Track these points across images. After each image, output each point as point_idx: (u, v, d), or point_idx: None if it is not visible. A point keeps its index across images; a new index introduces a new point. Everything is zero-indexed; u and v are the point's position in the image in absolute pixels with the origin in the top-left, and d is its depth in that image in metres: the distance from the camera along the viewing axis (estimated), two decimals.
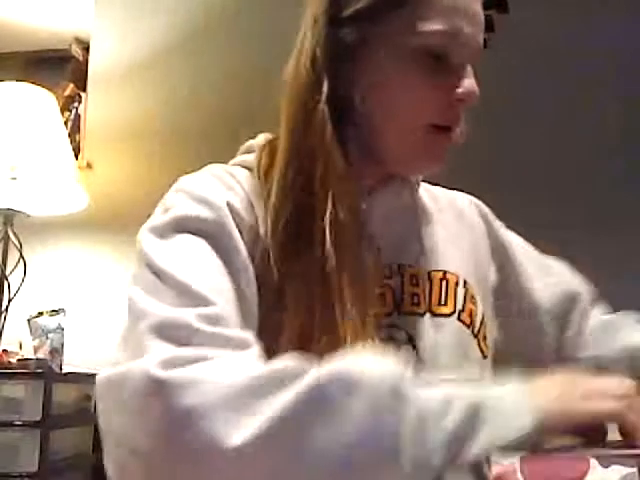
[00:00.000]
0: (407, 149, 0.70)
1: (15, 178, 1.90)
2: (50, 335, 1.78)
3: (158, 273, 0.60)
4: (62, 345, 1.80)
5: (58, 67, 2.58)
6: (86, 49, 2.43)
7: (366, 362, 0.51)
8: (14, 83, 1.96)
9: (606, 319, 0.87)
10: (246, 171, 0.72)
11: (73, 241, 2.18)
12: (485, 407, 0.50)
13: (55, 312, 1.83)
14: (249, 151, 0.75)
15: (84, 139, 2.26)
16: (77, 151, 2.20)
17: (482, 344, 0.75)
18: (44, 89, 2.00)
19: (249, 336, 0.56)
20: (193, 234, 0.62)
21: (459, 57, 0.67)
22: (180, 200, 0.67)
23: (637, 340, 0.82)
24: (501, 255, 0.85)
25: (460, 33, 0.66)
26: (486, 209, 0.88)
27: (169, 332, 0.53)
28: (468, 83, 0.67)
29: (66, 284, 2.16)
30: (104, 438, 0.54)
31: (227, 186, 0.68)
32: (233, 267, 0.61)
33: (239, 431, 0.46)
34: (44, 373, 1.68)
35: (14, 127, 1.87)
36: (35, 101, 1.95)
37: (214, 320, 0.55)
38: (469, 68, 0.68)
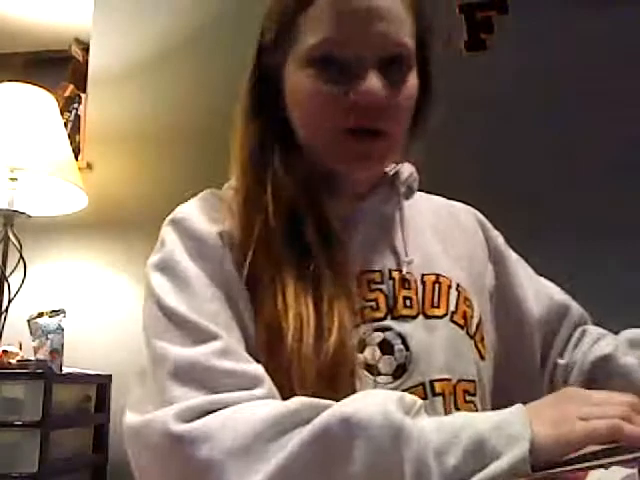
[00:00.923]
0: (327, 154, 0.73)
1: (15, 179, 1.90)
2: (50, 336, 1.78)
3: (167, 313, 0.64)
4: (62, 346, 1.80)
5: (58, 68, 2.58)
6: (86, 50, 2.43)
7: (371, 402, 0.53)
8: (14, 83, 1.96)
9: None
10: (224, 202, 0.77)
11: (73, 242, 2.18)
12: (484, 441, 0.50)
13: (55, 313, 1.83)
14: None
15: (84, 140, 2.26)
16: (77, 152, 2.20)
17: (479, 345, 0.76)
18: (44, 90, 2.00)
19: (258, 368, 0.61)
20: (191, 266, 0.67)
21: (350, 58, 0.68)
22: (175, 236, 0.72)
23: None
24: (498, 263, 0.87)
25: (346, 38, 0.68)
26: (484, 219, 0.91)
27: (185, 376, 0.59)
28: (365, 85, 0.67)
29: (66, 285, 2.16)
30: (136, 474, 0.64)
31: (216, 217, 0.72)
32: (232, 293, 0.66)
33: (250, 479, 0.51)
34: (44, 374, 1.68)
35: (14, 127, 1.87)
36: (35, 102, 1.95)
37: (224, 353, 0.60)
38: (371, 70, 0.68)
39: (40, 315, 1.82)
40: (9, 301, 1.90)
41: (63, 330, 1.82)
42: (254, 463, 0.51)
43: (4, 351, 1.76)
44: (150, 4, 2.31)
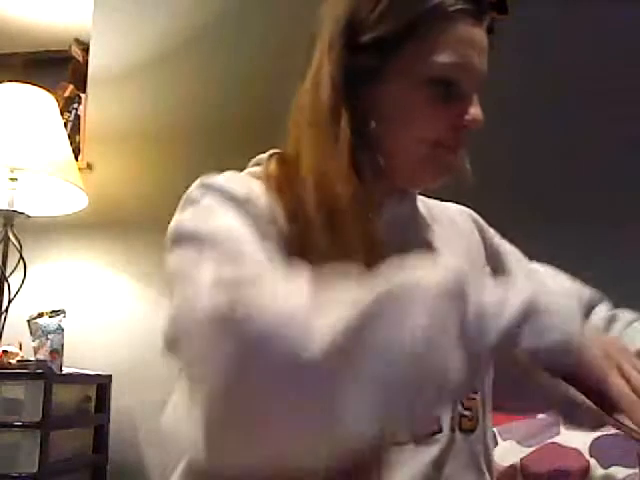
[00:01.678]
0: (415, 166, 0.74)
1: (15, 179, 1.90)
2: (50, 336, 1.78)
3: (199, 240, 0.62)
4: (62, 346, 1.80)
5: (58, 68, 2.58)
6: (86, 50, 2.43)
7: (426, 265, 0.54)
8: (14, 83, 1.96)
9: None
10: (256, 180, 0.74)
11: (73, 242, 2.18)
12: (539, 306, 0.54)
13: (55, 313, 1.83)
14: (258, 164, 0.78)
15: (84, 140, 2.26)
16: (77, 152, 2.20)
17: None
18: (44, 90, 2.00)
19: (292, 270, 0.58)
20: (230, 217, 0.65)
21: (468, 86, 0.72)
22: (210, 196, 0.68)
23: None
24: (495, 261, 0.88)
25: (470, 64, 0.71)
26: (479, 218, 0.92)
27: (219, 288, 0.55)
28: (475, 111, 0.72)
29: (66, 285, 2.16)
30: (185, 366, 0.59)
31: (248, 187, 0.70)
32: (264, 242, 0.63)
33: (314, 342, 0.47)
34: (44, 374, 1.68)
35: (14, 128, 1.87)
36: (35, 102, 1.95)
37: (261, 277, 0.57)
38: (475, 95, 0.73)
39: (40, 315, 1.82)
40: (9, 301, 1.90)
41: (63, 330, 1.82)
42: (316, 325, 0.49)
43: (4, 351, 1.76)
44: (150, 4, 2.31)
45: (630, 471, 1.19)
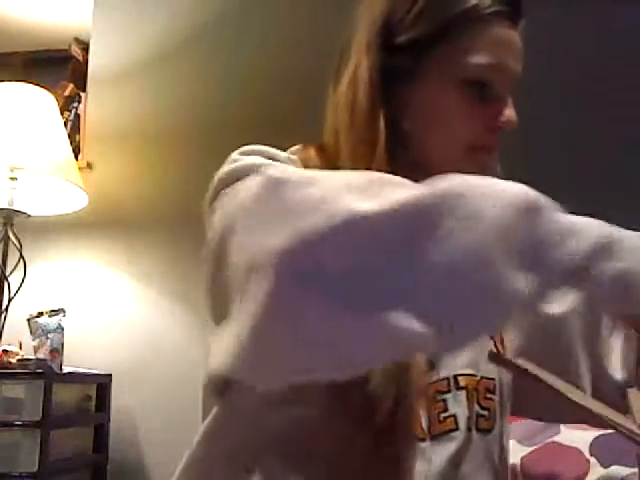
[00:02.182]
0: (450, 166, 0.73)
1: (15, 178, 1.90)
2: (50, 335, 1.78)
3: (255, 169, 0.62)
4: (62, 345, 1.80)
5: (58, 67, 2.58)
6: (86, 49, 2.43)
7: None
8: (14, 83, 1.96)
9: None
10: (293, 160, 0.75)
11: (73, 241, 2.18)
12: (615, 239, 0.48)
13: (55, 312, 1.84)
14: (292, 153, 0.77)
15: (84, 139, 2.26)
16: (77, 151, 2.20)
17: (499, 346, 0.78)
18: (44, 89, 2.00)
19: None
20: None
21: (502, 88, 0.72)
22: (250, 155, 0.69)
23: None
24: None
25: (505, 66, 0.71)
26: None
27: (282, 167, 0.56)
28: (509, 112, 0.73)
29: (66, 284, 2.16)
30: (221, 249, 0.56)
31: (288, 157, 0.72)
32: None
33: (370, 204, 0.44)
34: (44, 373, 1.68)
35: (14, 127, 1.87)
36: (35, 101, 1.95)
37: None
38: (509, 97, 0.74)
39: (40, 314, 1.82)
40: (9, 300, 1.90)
41: (63, 329, 1.82)
42: (371, 198, 0.45)
43: (4, 350, 1.76)
44: (150, 3, 2.30)
45: (630, 470, 1.19)
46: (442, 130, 0.73)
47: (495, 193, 0.47)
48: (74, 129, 2.32)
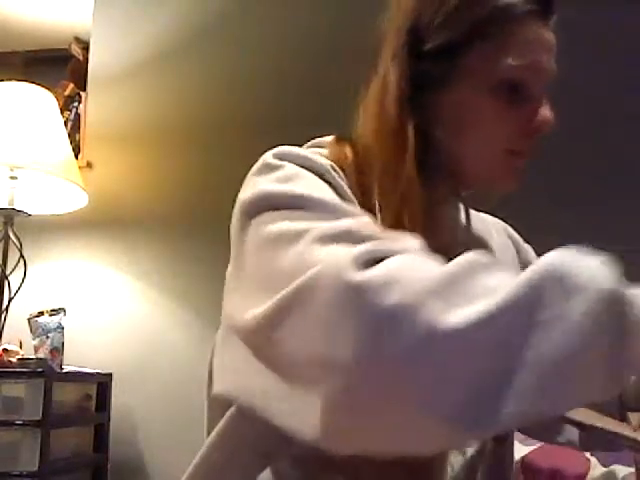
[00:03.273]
0: (484, 172, 0.73)
1: (15, 177, 1.90)
2: (50, 334, 1.78)
3: (293, 203, 0.58)
4: (62, 344, 1.81)
5: (58, 66, 2.58)
6: (86, 48, 2.43)
7: (578, 260, 0.48)
8: (14, 82, 1.96)
9: None
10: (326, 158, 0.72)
11: (73, 240, 2.18)
12: None
13: (55, 311, 1.84)
14: (318, 146, 0.75)
15: (84, 138, 2.26)
16: (77, 150, 2.20)
17: None
18: (44, 88, 2.00)
19: (407, 234, 0.56)
20: (319, 181, 0.63)
21: (537, 88, 0.70)
22: (286, 163, 0.65)
23: None
24: None
25: (539, 66, 0.69)
26: (514, 233, 0.90)
27: (337, 239, 0.52)
28: (545, 113, 0.70)
29: (66, 283, 2.16)
30: (272, 365, 0.53)
31: (325, 160, 0.69)
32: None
33: (454, 316, 0.44)
34: (44, 372, 1.68)
35: (14, 126, 1.87)
36: (35, 100, 1.95)
37: (369, 226, 0.56)
38: (544, 96, 0.71)
39: (40, 314, 1.82)
40: (9, 300, 1.90)
41: (63, 329, 1.82)
42: (454, 305, 0.45)
43: (4, 350, 1.76)
44: (150, 3, 2.30)
45: (630, 470, 1.20)
46: (475, 136, 0.71)
47: (581, 287, 0.46)
48: (74, 128, 2.32)
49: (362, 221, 0.56)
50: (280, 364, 0.52)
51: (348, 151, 0.70)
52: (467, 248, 0.74)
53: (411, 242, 0.54)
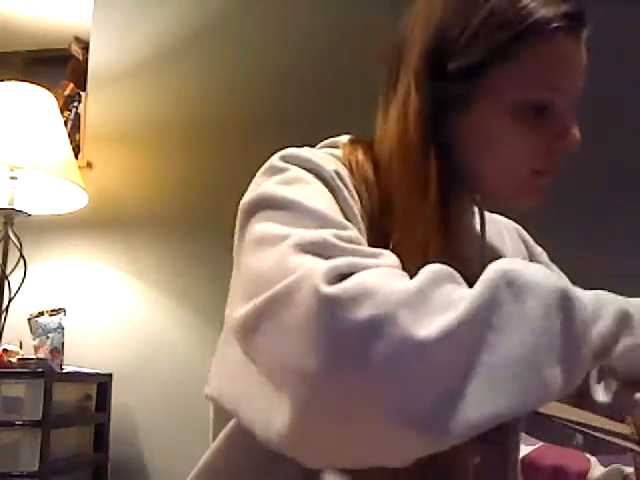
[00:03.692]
0: (508, 191, 0.72)
1: (15, 177, 1.90)
2: (50, 334, 1.78)
3: (286, 206, 0.59)
4: (62, 344, 1.81)
5: (58, 66, 2.58)
6: (86, 48, 2.43)
7: (525, 265, 0.53)
8: (14, 82, 1.96)
9: None
10: (338, 161, 0.71)
11: (73, 240, 2.18)
12: (632, 315, 0.58)
13: (55, 312, 1.84)
14: (333, 146, 0.74)
15: (84, 138, 2.26)
16: (77, 150, 2.20)
17: None
18: (44, 88, 2.00)
19: (384, 251, 0.56)
20: (311, 184, 0.63)
21: (562, 106, 0.67)
22: (291, 166, 0.65)
23: None
24: None
25: (567, 86, 0.67)
26: (526, 234, 0.90)
27: (313, 248, 0.53)
28: (572, 133, 0.68)
29: (66, 283, 2.16)
30: (258, 364, 0.53)
31: (332, 160, 0.68)
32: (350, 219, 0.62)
33: (425, 327, 0.46)
34: (44, 372, 1.68)
35: (14, 126, 1.87)
36: (35, 100, 1.95)
37: (350, 240, 0.56)
38: (571, 114, 0.69)
39: (40, 314, 1.82)
40: (9, 300, 1.90)
41: (63, 329, 1.82)
42: (425, 316, 0.47)
43: (4, 350, 1.76)
44: (150, 3, 2.30)
45: (630, 470, 1.20)
46: (499, 157, 0.69)
47: (535, 289, 0.50)
48: (74, 128, 2.32)
49: (345, 235, 0.56)
50: (258, 369, 0.53)
51: (361, 155, 0.69)
52: (483, 258, 0.74)
53: (387, 258, 0.55)
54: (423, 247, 0.63)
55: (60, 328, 1.81)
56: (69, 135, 2.06)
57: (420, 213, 0.64)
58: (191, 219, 2.10)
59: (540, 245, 0.91)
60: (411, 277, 0.52)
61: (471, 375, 0.47)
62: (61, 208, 2.08)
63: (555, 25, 0.64)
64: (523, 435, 1.22)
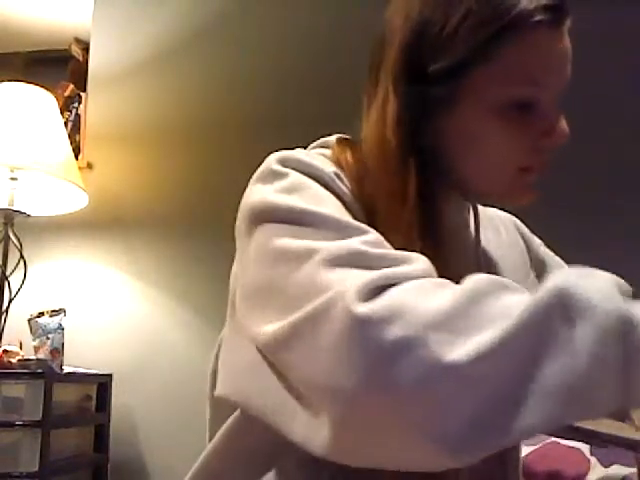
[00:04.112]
0: (496, 190, 0.71)
1: (15, 178, 1.90)
2: (50, 335, 1.78)
3: (299, 218, 0.58)
4: (62, 345, 1.80)
5: (58, 67, 2.58)
6: (86, 49, 2.43)
7: (584, 281, 0.48)
8: (14, 83, 1.96)
9: None
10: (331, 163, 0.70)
11: (73, 241, 2.18)
12: None
13: (55, 312, 1.83)
14: (324, 146, 0.74)
15: (84, 139, 2.26)
16: (77, 151, 2.20)
17: None
18: (44, 89, 2.00)
19: (413, 254, 0.55)
20: (323, 190, 0.62)
21: (547, 102, 0.66)
22: (294, 171, 0.64)
23: None
24: (539, 270, 0.85)
25: (551, 81, 0.65)
26: (522, 226, 0.89)
27: (341, 261, 0.52)
28: (559, 128, 0.67)
29: (66, 284, 2.16)
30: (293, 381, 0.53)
31: (328, 161, 0.68)
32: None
33: (456, 350, 0.45)
34: (44, 373, 1.68)
35: (14, 127, 1.87)
36: (35, 101, 1.95)
37: (376, 244, 0.55)
38: (557, 109, 0.67)
39: (40, 314, 1.82)
40: (10, 300, 1.90)
41: (63, 329, 1.82)
42: (459, 336, 0.46)
43: (5, 350, 1.76)
44: (150, 3, 2.30)
45: (630, 470, 1.19)
46: (485, 158, 0.67)
47: (586, 311, 0.46)
48: (74, 129, 2.32)
49: (369, 239, 0.55)
50: (291, 383, 0.54)
51: (349, 157, 0.68)
52: (477, 259, 0.74)
53: (418, 263, 0.54)
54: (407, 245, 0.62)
55: (60, 329, 1.81)
56: (69, 136, 2.06)
57: (400, 218, 0.63)
58: (191, 219, 2.10)
59: (540, 238, 0.91)
60: None
61: (513, 398, 0.45)
62: (61, 209, 2.08)
63: (536, 18, 0.62)
64: None
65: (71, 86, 2.43)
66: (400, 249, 0.57)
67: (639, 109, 1.85)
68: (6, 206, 1.91)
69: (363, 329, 0.47)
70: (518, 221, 0.90)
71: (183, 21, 2.27)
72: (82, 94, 2.36)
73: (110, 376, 1.96)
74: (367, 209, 0.64)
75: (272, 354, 0.55)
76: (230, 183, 2.17)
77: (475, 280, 0.50)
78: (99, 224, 2.16)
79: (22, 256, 1.92)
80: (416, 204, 0.64)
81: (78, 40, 2.56)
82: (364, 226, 0.58)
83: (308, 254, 0.54)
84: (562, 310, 0.46)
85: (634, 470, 1.14)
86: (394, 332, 0.46)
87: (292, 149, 0.68)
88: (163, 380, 2.02)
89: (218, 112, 2.17)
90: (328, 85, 2.09)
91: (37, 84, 2.00)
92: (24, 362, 1.73)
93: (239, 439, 0.67)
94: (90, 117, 2.28)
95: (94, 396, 1.92)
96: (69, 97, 2.41)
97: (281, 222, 0.58)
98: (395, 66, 0.66)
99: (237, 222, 0.65)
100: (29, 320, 1.82)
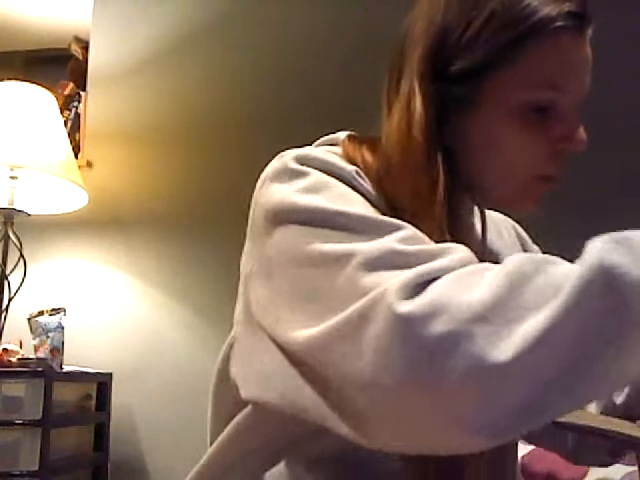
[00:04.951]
0: (507, 196, 0.71)
1: (15, 177, 1.90)
2: (50, 334, 1.79)
3: (327, 219, 0.57)
4: (62, 344, 1.81)
5: (58, 66, 2.58)
6: (85, 48, 2.43)
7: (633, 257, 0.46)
8: (14, 82, 1.96)
9: None
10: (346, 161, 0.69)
11: (73, 240, 2.18)
12: None
13: (55, 311, 1.84)
14: (332, 143, 0.73)
15: (84, 138, 2.26)
16: (77, 150, 2.20)
17: None
18: (44, 88, 2.00)
19: (451, 244, 0.55)
20: (348, 190, 0.62)
21: (567, 107, 0.66)
22: (314, 170, 0.63)
23: None
24: None
25: (571, 87, 0.66)
26: (522, 231, 0.89)
27: (379, 263, 0.52)
28: (576, 133, 0.67)
29: (66, 283, 2.16)
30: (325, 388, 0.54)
31: (344, 160, 0.67)
32: None
33: (501, 344, 0.45)
34: (44, 372, 1.68)
35: (14, 126, 1.87)
36: (35, 100, 1.95)
37: (412, 239, 0.55)
38: (576, 115, 0.68)
39: (40, 313, 1.82)
40: (9, 299, 1.90)
41: (63, 328, 1.82)
42: (504, 329, 0.45)
43: (4, 349, 1.76)
44: (150, 3, 2.30)
45: (630, 469, 1.19)
46: (503, 162, 0.67)
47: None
48: (74, 128, 2.32)
49: (404, 236, 0.55)
50: (329, 384, 0.54)
51: (367, 154, 0.67)
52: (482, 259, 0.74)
53: (459, 253, 0.54)
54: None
55: (60, 328, 1.81)
56: (69, 135, 2.06)
57: (427, 216, 0.62)
58: (191, 219, 2.10)
59: (537, 244, 0.91)
60: None
61: (553, 388, 0.45)
62: (61, 208, 2.08)
63: (559, 24, 0.63)
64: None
65: (71, 85, 2.43)
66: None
67: (639, 109, 1.85)
68: (6, 205, 1.91)
69: (407, 327, 0.47)
70: (518, 226, 0.90)
71: (183, 21, 2.27)
72: (82, 93, 2.36)
73: (110, 375, 1.96)
74: (390, 207, 0.64)
75: (312, 357, 0.55)
76: (230, 183, 2.18)
77: (514, 261, 0.50)
78: (99, 223, 2.16)
79: (22, 255, 1.92)
80: (444, 202, 0.64)
81: (78, 39, 2.56)
82: (397, 221, 0.57)
83: (346, 258, 0.54)
84: (606, 288, 0.45)
85: (634, 469, 1.14)
86: (438, 328, 0.46)
87: (291, 149, 0.67)
88: (163, 379, 2.02)
89: (218, 112, 2.17)
90: (328, 85, 2.09)
91: (37, 83, 2.00)
92: (24, 361, 1.74)
93: (250, 435, 0.67)
94: (90, 116, 2.28)
95: (94, 395, 1.92)
96: (69, 96, 2.41)
97: (308, 224, 0.58)
98: (420, 65, 0.67)
99: (251, 220, 0.64)
100: (29, 319, 1.82)
